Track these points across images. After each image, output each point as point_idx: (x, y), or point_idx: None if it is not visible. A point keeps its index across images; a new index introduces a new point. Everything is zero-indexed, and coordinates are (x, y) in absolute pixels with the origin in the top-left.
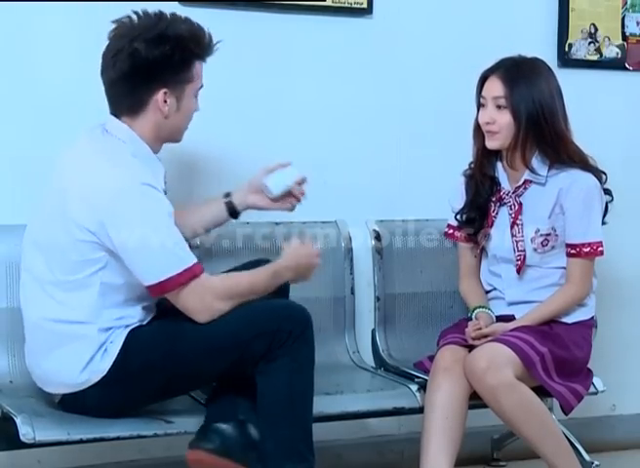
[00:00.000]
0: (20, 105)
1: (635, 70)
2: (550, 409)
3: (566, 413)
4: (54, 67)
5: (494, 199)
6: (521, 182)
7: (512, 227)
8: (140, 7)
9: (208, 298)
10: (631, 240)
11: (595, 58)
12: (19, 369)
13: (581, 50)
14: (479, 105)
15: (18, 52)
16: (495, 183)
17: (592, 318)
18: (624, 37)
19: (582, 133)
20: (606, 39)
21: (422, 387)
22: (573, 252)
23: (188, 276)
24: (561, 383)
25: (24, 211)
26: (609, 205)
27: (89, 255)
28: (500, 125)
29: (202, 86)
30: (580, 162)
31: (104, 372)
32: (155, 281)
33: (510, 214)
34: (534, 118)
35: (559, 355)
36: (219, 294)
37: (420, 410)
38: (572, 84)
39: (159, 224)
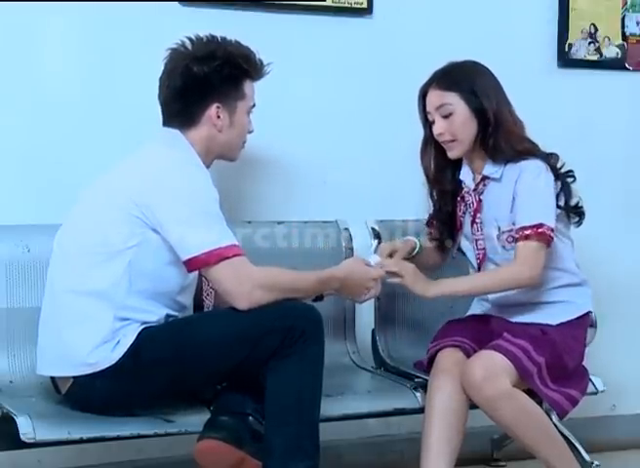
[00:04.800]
0: (20, 105)
1: (635, 70)
2: (548, 411)
3: (560, 418)
4: (56, 67)
5: (458, 199)
6: (479, 179)
7: (472, 226)
8: (140, 7)
9: (247, 284)
10: (631, 240)
11: (595, 58)
12: (19, 369)
13: (581, 50)
14: (424, 121)
15: (26, 52)
16: (457, 189)
17: (584, 316)
18: (624, 37)
19: (583, 133)
20: (606, 39)
21: (423, 387)
22: (517, 236)
23: (231, 252)
24: (556, 390)
25: (24, 211)
26: (572, 186)
27: (127, 229)
28: (452, 132)
29: (254, 105)
30: (527, 151)
31: (114, 361)
32: (196, 253)
33: (470, 213)
34: (481, 112)
35: (554, 362)
36: (258, 282)
37: (421, 411)
38: (572, 84)
39: (205, 201)
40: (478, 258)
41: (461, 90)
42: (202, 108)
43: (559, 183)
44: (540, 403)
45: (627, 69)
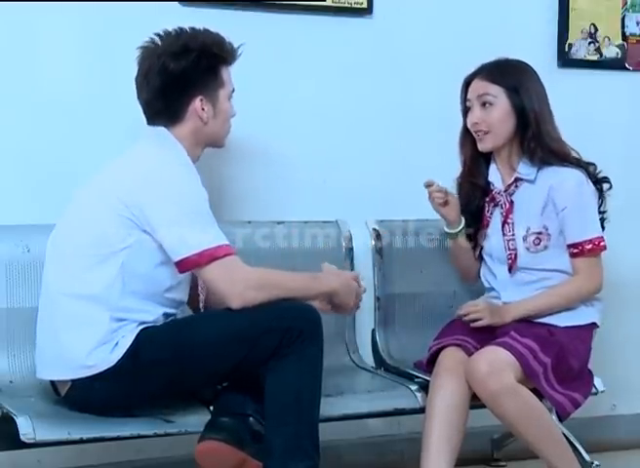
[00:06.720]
0: (19, 105)
1: (635, 70)
2: (550, 409)
3: (561, 420)
4: (56, 67)
5: (487, 199)
6: (512, 180)
7: (503, 226)
8: (140, 7)
9: (239, 284)
10: (631, 240)
11: (595, 58)
12: (19, 369)
13: (581, 50)
14: (465, 111)
15: (26, 52)
16: (487, 188)
17: (591, 324)
18: (624, 37)
19: (583, 133)
20: (606, 39)
21: (423, 387)
22: (575, 251)
23: (222, 252)
24: (562, 392)
25: (24, 211)
26: (606, 194)
27: (119, 231)
28: (489, 123)
29: (233, 90)
30: (565, 156)
31: (113, 363)
32: (187, 254)
33: (501, 213)
34: (521, 111)
35: (560, 363)
36: (251, 281)
37: (421, 411)
38: (572, 84)
39: (195, 201)
40: (510, 259)
41: (507, 85)
42: (185, 104)
43: (597, 193)
44: (541, 399)
45: (627, 69)
